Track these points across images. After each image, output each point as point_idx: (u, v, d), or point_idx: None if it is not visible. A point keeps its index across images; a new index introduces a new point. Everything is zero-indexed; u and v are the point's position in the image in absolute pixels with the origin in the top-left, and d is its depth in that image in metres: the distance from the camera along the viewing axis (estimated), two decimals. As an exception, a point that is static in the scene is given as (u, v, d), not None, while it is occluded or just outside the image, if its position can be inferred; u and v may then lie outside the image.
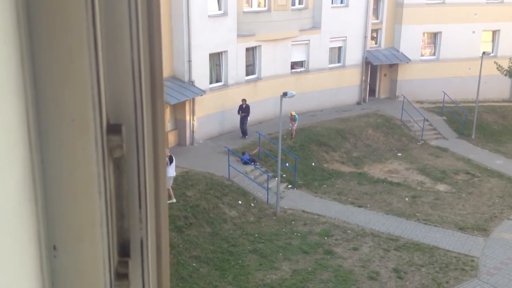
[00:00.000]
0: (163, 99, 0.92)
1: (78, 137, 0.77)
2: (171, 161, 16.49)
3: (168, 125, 22.04)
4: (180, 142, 22.21)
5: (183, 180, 18.21)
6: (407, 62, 29.51)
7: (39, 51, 0.74)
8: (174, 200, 16.67)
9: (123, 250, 0.88)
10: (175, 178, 18.21)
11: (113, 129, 0.80)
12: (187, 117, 22.12)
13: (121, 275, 0.86)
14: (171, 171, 16.57)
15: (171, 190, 16.77)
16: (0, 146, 0.70)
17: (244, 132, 22.93)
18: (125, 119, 0.83)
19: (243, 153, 20.92)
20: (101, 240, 0.81)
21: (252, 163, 20.67)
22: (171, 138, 21.97)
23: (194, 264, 15.07)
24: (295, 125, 23.21)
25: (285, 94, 17.07)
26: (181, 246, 15.47)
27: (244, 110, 22.76)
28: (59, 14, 0.73)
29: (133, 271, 0.89)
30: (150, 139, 0.88)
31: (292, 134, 23.24)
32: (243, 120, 22.85)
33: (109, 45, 0.80)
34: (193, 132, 22.27)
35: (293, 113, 22.89)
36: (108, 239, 0.82)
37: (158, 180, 0.91)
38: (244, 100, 22.74)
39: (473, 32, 29.81)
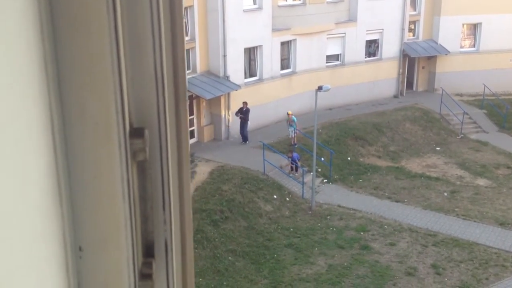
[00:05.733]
0: (186, 101, 0.92)
1: (102, 141, 0.78)
2: None
3: (204, 120, 22.20)
4: (216, 136, 22.35)
5: (219, 175, 18.33)
6: (446, 54, 28.86)
7: (62, 56, 0.75)
8: None
9: (148, 251, 0.89)
10: (211, 172, 18.34)
11: (136, 132, 0.81)
12: (223, 112, 22.23)
13: (145, 275, 0.88)
14: None
15: None
16: (26, 150, 0.71)
17: (244, 138, 21.77)
18: (148, 123, 0.84)
19: (289, 157, 19.79)
20: (125, 241, 0.83)
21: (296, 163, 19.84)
22: (207, 133, 22.12)
23: (230, 257, 15.18)
24: (295, 131, 21.37)
25: (320, 88, 16.96)
26: (217, 240, 15.60)
27: (243, 113, 21.53)
28: (82, 19, 0.74)
29: (157, 271, 0.90)
30: (173, 142, 0.88)
31: (293, 142, 21.52)
32: (242, 124, 21.69)
33: (132, 49, 0.81)
34: (228, 127, 22.36)
35: (290, 113, 21.36)
36: (132, 240, 0.83)
37: (182, 182, 0.92)
38: (245, 103, 21.58)
39: (515, 22, 28.94)
